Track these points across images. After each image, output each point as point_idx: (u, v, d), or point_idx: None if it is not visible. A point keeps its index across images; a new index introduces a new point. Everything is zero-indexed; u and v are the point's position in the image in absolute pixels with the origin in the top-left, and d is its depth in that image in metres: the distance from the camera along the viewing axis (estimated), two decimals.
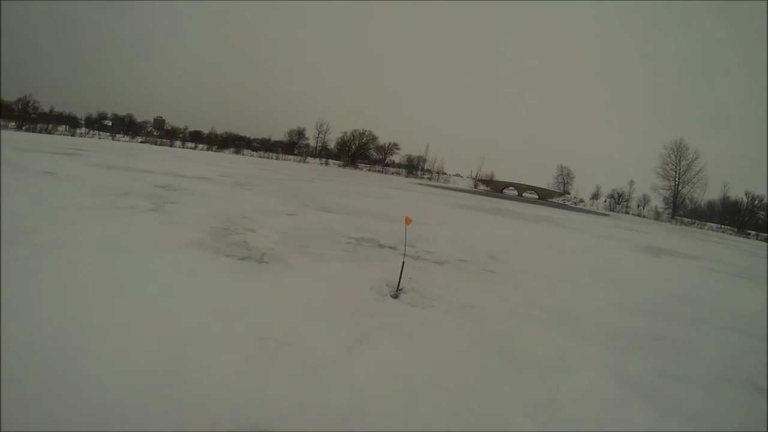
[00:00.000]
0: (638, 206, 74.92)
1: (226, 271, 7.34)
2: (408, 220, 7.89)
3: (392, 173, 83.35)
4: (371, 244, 11.30)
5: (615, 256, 17.03)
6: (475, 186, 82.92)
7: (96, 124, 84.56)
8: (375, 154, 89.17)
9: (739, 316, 9.52)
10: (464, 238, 14.92)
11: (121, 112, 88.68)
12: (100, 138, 68.58)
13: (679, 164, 71.05)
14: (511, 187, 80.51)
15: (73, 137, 60.42)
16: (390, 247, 11.23)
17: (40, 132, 63.35)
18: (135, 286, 6.02)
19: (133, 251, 7.68)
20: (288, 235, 10.81)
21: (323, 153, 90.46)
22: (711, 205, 71.04)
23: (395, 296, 7.14)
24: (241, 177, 26.68)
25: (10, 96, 69.13)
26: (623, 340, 6.82)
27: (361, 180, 48.76)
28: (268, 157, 79.16)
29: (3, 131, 47.96)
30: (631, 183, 77.56)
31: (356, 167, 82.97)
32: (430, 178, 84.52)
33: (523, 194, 77.92)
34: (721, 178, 72.42)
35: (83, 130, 77.35)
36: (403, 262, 7.65)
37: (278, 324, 5.48)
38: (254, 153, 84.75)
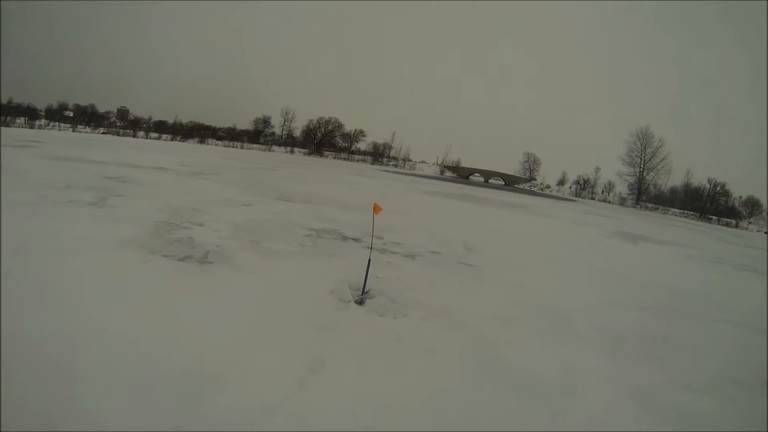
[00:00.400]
0: (602, 192, 76.10)
1: (157, 277, 6.11)
2: (377, 208, 6.73)
3: (358, 161, 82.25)
4: (333, 236, 10.21)
5: (593, 244, 16.42)
6: (442, 173, 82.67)
7: (56, 115, 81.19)
8: (341, 141, 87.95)
9: (735, 308, 9.01)
10: (435, 227, 14.02)
11: (83, 103, 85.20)
12: (60, 129, 65.66)
13: (644, 151, 72.75)
14: (477, 174, 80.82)
15: (31, 129, 57.71)
16: (354, 239, 10.15)
17: None
18: (31, 298, 4.79)
19: (45, 254, 6.36)
20: (240, 228, 9.62)
21: (289, 141, 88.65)
22: (673, 191, 72.76)
23: (360, 302, 5.99)
24: (200, 166, 25.12)
25: None
26: (627, 344, 5.99)
27: (326, 167, 47.51)
28: (233, 147, 76.98)
29: None
30: (597, 169, 79.10)
31: (322, 155, 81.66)
32: (396, 166, 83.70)
33: (490, 180, 78.10)
34: (685, 166, 73.46)
35: (43, 121, 74.14)
36: (369, 260, 6.48)
37: (212, 350, 4.29)
38: (219, 142, 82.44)
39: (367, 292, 6.24)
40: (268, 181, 21.84)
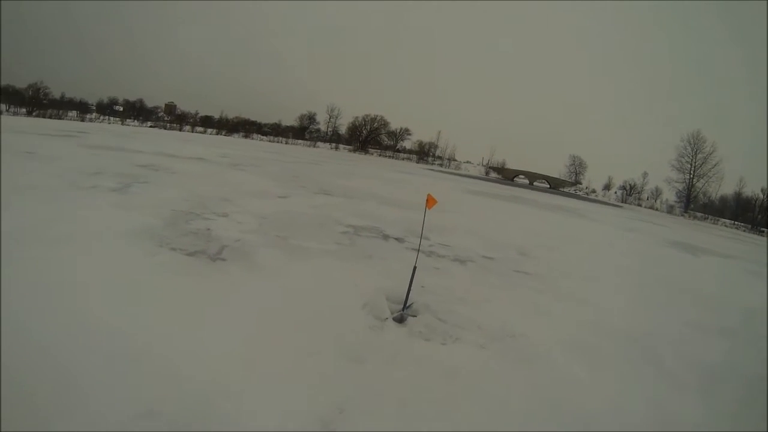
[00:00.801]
0: (648, 198, 73.12)
1: (154, 275, 5.08)
2: (430, 201, 5.39)
3: (403, 159, 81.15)
4: (373, 234, 9.03)
5: (652, 254, 14.72)
6: (487, 173, 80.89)
7: (107, 109, 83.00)
8: (386, 139, 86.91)
9: None
10: (485, 229, 12.70)
11: (133, 98, 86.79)
12: (109, 123, 66.90)
13: (695, 157, 68.81)
14: (521, 176, 78.79)
15: (82, 122, 58.77)
16: (396, 239, 8.94)
17: (50, 117, 61.78)
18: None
19: (43, 241, 5.63)
20: (268, 221, 8.58)
21: (334, 138, 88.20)
22: (723, 200, 68.81)
23: (400, 319, 4.77)
24: (240, 158, 24.37)
25: (22, 83, 67.98)
26: (731, 387, 4.73)
27: (371, 164, 46.22)
28: (277, 142, 76.84)
29: (12, 117, 46.41)
30: (645, 174, 75.80)
31: (367, 152, 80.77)
32: (441, 165, 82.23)
33: (534, 183, 75.72)
34: (738, 174, 69.32)
35: (93, 115, 75.80)
36: (415, 267, 5.23)
37: (193, 380, 3.18)
38: (264, 137, 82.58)
39: (409, 306, 5.03)
40: (309, 175, 20.84)
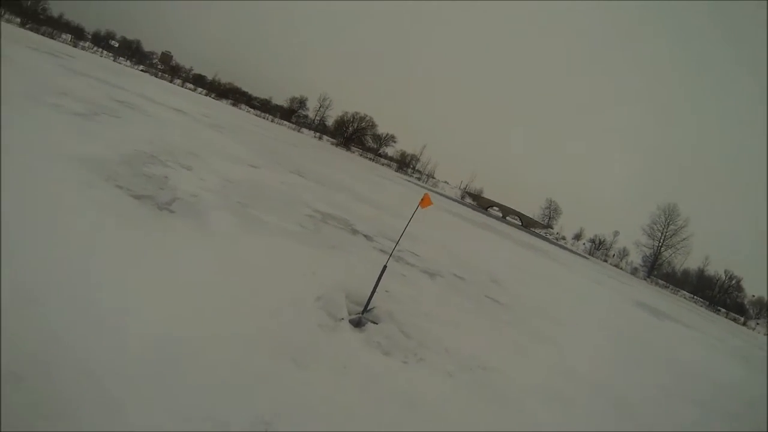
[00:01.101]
0: (614, 256, 74.69)
1: (90, 211, 4.23)
2: (426, 200, 4.77)
3: (383, 164, 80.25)
4: (340, 226, 8.26)
5: (619, 310, 14.32)
6: (462, 197, 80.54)
7: (102, 41, 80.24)
8: (370, 141, 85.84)
9: None
10: (457, 247, 12.19)
11: (131, 37, 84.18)
12: (101, 56, 64.71)
13: (666, 227, 70.66)
14: (496, 207, 78.71)
15: (74, 48, 56.72)
16: (365, 236, 8.24)
17: (42, 35, 59.49)
18: None
19: None
20: (233, 186, 7.77)
21: (320, 128, 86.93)
22: (686, 273, 70.55)
23: (358, 323, 4.04)
24: (220, 120, 23.39)
25: None
26: None
27: (350, 161, 45.16)
28: (264, 118, 75.33)
29: (7, 25, 44.52)
30: (615, 233, 77.13)
31: (348, 149, 79.68)
32: (419, 178, 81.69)
33: (507, 217, 75.84)
34: (704, 251, 70.98)
35: (87, 44, 73.33)
36: (385, 267, 4.50)
37: (92, 348, 2.42)
38: (252, 110, 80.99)
39: (370, 309, 4.31)
40: (287, 154, 19.94)
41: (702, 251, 70.62)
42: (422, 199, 4.65)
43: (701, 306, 56.32)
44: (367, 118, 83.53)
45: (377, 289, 4.41)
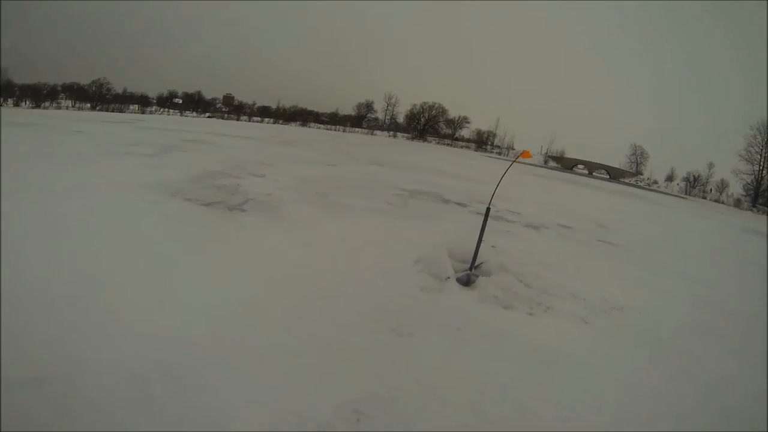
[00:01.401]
0: (713, 191, 68.31)
1: (157, 220, 4.04)
2: (526, 153, 4.30)
3: (462, 147, 78.95)
4: (430, 199, 7.70)
5: (734, 238, 12.46)
6: (545, 162, 77.47)
7: (167, 102, 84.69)
8: (444, 127, 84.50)
9: None
10: (553, 202, 11.26)
11: (191, 91, 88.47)
12: (168, 114, 68.51)
13: (765, 147, 63.10)
14: (581, 165, 75.06)
15: (142, 114, 60.38)
16: (458, 203, 7.62)
17: (112, 111, 63.76)
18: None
19: (54, 191, 4.91)
20: (310, 182, 7.45)
21: (392, 126, 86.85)
22: None
23: (466, 281, 3.47)
24: (292, 137, 23.53)
25: (86, 80, 70.72)
26: None
27: (430, 150, 44.51)
28: (335, 130, 76.54)
29: (76, 111, 48.04)
30: (710, 165, 70.04)
31: (425, 140, 79.07)
32: (500, 153, 79.78)
33: (594, 173, 72.34)
34: None
35: (154, 108, 77.81)
36: (488, 210, 3.89)
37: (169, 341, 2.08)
38: (321, 126, 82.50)
39: (478, 265, 3.73)
40: (364, 151, 19.62)
41: None
42: (522, 153, 4.06)
43: None
44: (437, 106, 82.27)
45: (482, 241, 3.81)
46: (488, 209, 3.87)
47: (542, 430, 2.02)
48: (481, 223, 3.79)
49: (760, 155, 62.44)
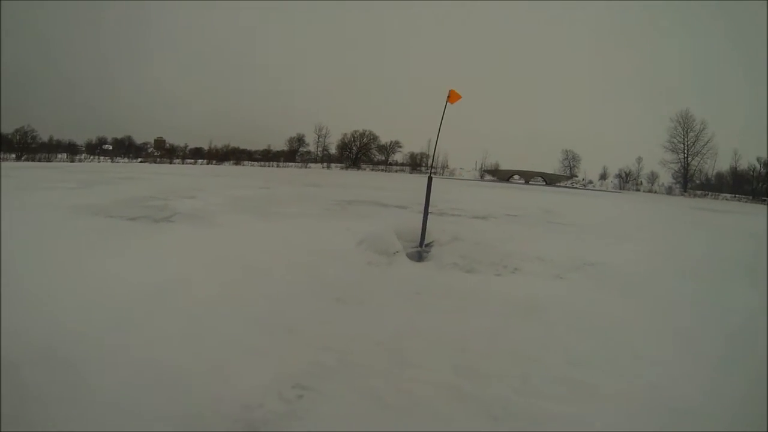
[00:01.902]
0: (644, 183, 72.82)
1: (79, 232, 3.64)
2: (454, 94, 3.93)
3: (396, 171, 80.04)
4: (369, 204, 7.56)
5: (682, 214, 13.31)
6: (481, 177, 79.56)
7: (96, 149, 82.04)
8: (377, 154, 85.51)
9: None
10: (497, 200, 11.35)
11: (121, 135, 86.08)
12: (99, 162, 66.24)
13: (686, 136, 67.90)
14: (516, 176, 77.72)
15: (72, 163, 58.15)
16: (398, 207, 7.49)
17: (39, 161, 61.02)
18: None
19: None
20: (244, 200, 7.12)
21: (325, 158, 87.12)
22: (720, 176, 68.18)
23: (418, 257, 3.27)
24: (221, 172, 23.09)
25: (8, 128, 67.74)
26: None
27: (364, 177, 44.77)
28: (268, 165, 76.06)
29: (4, 162, 45.78)
30: (639, 160, 74.71)
31: (359, 168, 79.63)
32: (435, 173, 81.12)
33: (530, 181, 74.84)
34: (731, 147, 68.64)
35: (83, 156, 75.09)
36: (430, 178, 3.68)
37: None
38: (255, 164, 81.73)
39: (429, 243, 3.51)
40: (297, 178, 19.33)
41: (728, 146, 68.46)
42: (449, 96, 3.82)
43: (746, 202, 54.88)
44: (367, 133, 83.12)
45: (428, 220, 3.59)
46: (430, 178, 3.72)
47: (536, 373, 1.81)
48: (423, 215, 3.59)
49: (683, 143, 66.91)
